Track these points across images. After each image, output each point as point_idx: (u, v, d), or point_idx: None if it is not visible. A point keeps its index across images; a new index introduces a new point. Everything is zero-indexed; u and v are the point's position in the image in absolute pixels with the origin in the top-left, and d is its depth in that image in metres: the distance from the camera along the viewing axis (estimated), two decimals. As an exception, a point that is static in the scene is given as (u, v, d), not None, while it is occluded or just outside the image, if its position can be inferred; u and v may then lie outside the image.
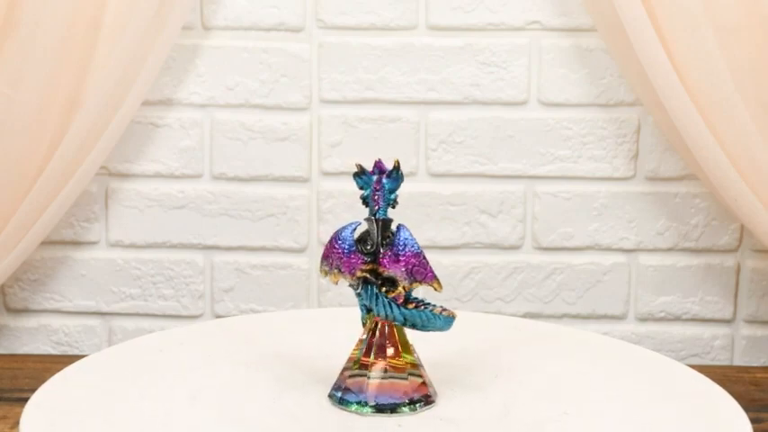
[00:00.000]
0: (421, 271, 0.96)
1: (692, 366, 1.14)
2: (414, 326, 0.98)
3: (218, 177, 1.67)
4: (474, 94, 1.64)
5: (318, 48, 1.64)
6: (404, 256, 0.96)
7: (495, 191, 1.66)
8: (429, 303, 0.98)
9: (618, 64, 1.61)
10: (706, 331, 1.70)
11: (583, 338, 1.21)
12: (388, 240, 0.96)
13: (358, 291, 0.98)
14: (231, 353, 1.11)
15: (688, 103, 1.48)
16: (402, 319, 0.98)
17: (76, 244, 1.69)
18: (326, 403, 0.98)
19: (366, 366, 0.98)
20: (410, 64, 1.63)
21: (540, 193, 1.66)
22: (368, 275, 0.97)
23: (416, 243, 0.96)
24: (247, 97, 1.65)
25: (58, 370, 1.06)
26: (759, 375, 1.64)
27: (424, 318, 0.97)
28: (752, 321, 1.69)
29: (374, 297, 0.97)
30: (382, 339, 0.99)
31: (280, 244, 1.68)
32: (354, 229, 0.98)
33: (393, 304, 0.97)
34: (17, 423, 1.18)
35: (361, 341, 1.00)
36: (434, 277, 0.96)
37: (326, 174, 1.66)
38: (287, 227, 1.68)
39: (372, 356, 0.98)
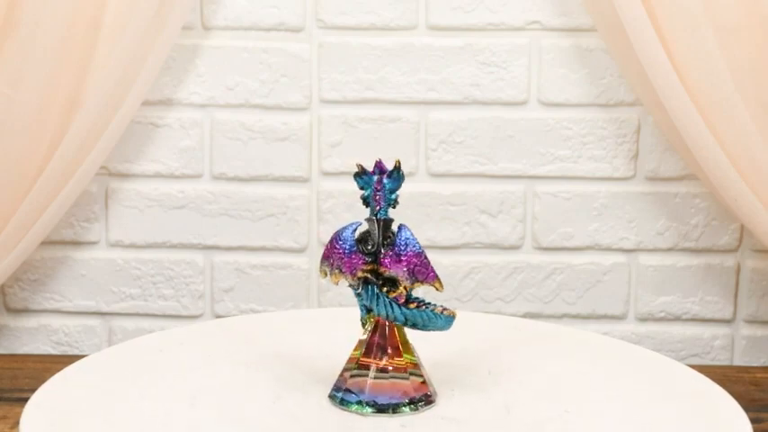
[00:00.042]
0: (423, 271, 0.96)
1: (692, 366, 1.14)
2: (415, 326, 0.98)
3: (218, 177, 1.67)
4: (474, 94, 1.64)
5: (318, 48, 1.64)
6: (406, 255, 0.96)
7: (495, 191, 1.66)
8: (429, 303, 0.98)
9: (618, 64, 1.61)
10: (706, 331, 1.70)
11: (583, 338, 1.21)
12: (388, 240, 0.96)
13: (358, 291, 0.98)
14: (231, 353, 1.11)
15: (688, 103, 1.48)
16: (403, 318, 0.98)
17: (76, 244, 1.69)
18: (327, 404, 0.98)
19: (366, 366, 0.98)
20: (410, 64, 1.63)
21: (540, 193, 1.66)
22: (368, 276, 0.97)
23: (418, 243, 0.96)
24: (247, 97, 1.65)
25: (58, 370, 1.06)
26: (759, 375, 1.64)
27: (425, 317, 0.97)
28: (752, 321, 1.69)
29: (375, 297, 0.97)
30: (382, 339, 0.99)
31: (280, 244, 1.68)
32: (355, 230, 0.98)
33: (394, 304, 0.97)
34: (17, 423, 1.18)
35: (361, 341, 1.00)
36: (436, 277, 0.96)
37: (326, 174, 1.66)
38: (287, 227, 1.67)
39: (373, 356, 0.98)
